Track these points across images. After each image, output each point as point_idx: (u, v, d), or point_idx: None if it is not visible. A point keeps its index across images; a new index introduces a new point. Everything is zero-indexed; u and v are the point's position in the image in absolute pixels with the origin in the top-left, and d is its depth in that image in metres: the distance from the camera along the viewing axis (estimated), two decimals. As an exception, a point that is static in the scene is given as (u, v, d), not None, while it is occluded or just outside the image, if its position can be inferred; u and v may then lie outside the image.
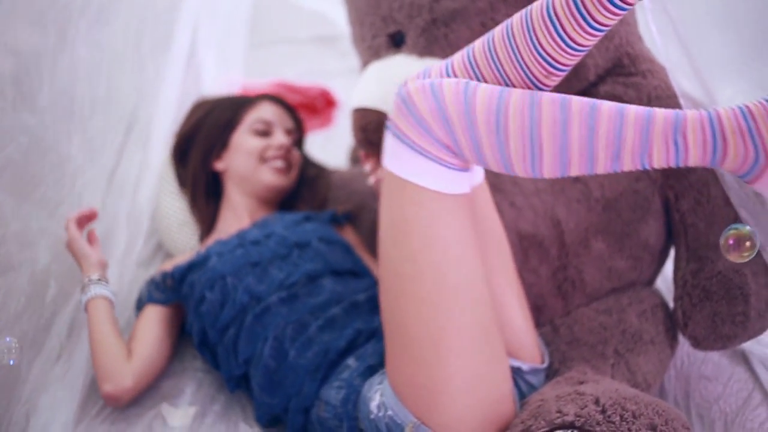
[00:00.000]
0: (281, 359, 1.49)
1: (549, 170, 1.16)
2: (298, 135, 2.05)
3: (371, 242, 1.89)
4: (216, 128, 1.94)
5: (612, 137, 1.12)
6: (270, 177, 1.90)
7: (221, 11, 2.34)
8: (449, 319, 1.22)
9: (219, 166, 1.95)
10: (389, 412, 1.29)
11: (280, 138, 1.94)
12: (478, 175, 1.36)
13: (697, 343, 1.56)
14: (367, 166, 1.69)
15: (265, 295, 1.58)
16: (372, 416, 1.32)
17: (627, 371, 1.50)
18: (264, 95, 2.07)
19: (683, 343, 1.68)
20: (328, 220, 1.88)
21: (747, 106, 1.10)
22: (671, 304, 1.63)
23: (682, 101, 1.53)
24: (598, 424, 1.19)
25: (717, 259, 1.53)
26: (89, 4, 1.76)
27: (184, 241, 1.98)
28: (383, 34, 1.64)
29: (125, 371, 1.57)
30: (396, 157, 1.22)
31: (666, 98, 1.63)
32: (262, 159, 1.91)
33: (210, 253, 1.68)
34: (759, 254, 1.52)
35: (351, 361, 1.45)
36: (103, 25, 1.83)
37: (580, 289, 1.60)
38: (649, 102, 1.63)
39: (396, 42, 1.63)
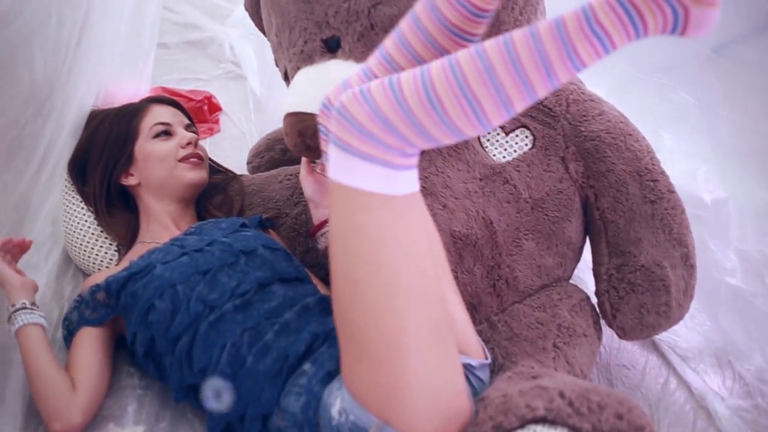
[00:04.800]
0: (238, 366, 1.46)
1: (495, 116, 1.17)
2: (194, 128, 2.02)
3: (290, 248, 1.89)
4: (113, 144, 1.87)
5: (536, 58, 1.14)
6: (189, 174, 1.86)
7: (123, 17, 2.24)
8: (405, 319, 1.23)
9: (130, 181, 1.87)
10: (351, 417, 1.29)
11: (184, 134, 1.90)
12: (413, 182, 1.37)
13: (624, 334, 1.65)
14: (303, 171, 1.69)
15: (218, 303, 1.54)
16: (334, 422, 1.31)
17: (566, 363, 1.56)
18: (148, 99, 2.02)
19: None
20: (256, 225, 1.86)
21: None
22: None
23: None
24: (568, 416, 1.24)
25: (639, 254, 1.63)
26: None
27: (101, 255, 1.90)
28: (317, 39, 1.63)
29: (72, 407, 1.50)
30: (342, 168, 1.23)
31: (582, 102, 1.71)
32: (176, 160, 1.86)
33: (153, 261, 1.62)
34: (675, 247, 1.64)
35: (307, 367, 1.43)
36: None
37: (513, 287, 1.65)
38: (568, 106, 1.70)
39: (330, 47, 1.63)
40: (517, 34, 1.15)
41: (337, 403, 1.31)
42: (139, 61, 2.37)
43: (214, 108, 2.79)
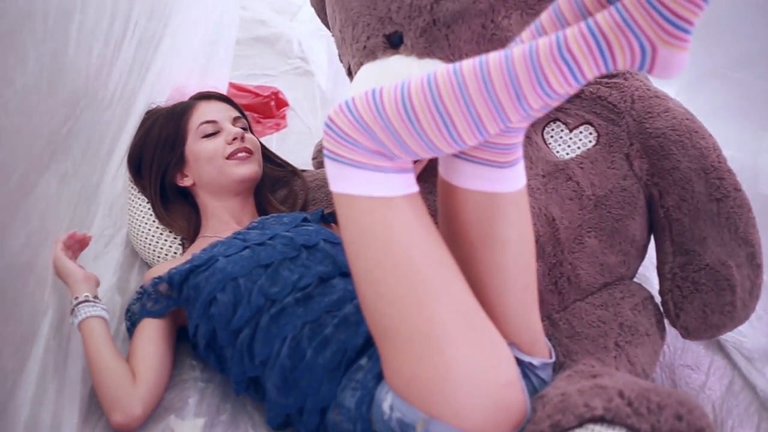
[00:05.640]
0: (298, 359, 1.48)
1: (467, 135, 1.19)
2: (243, 120, 2.03)
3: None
4: (163, 146, 1.91)
5: (506, 79, 1.15)
6: (239, 170, 1.88)
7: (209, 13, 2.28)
8: (432, 309, 1.25)
9: (186, 182, 1.92)
10: (397, 414, 1.30)
11: (230, 130, 1.91)
12: (519, 180, 1.36)
13: (688, 333, 1.63)
14: None
15: (279, 297, 1.56)
16: (385, 417, 1.32)
17: (628, 362, 1.55)
18: (196, 96, 2.05)
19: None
20: (318, 220, 1.88)
21: (622, 1, 1.13)
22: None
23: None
24: (627, 416, 1.23)
25: (704, 252, 1.60)
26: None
27: (166, 248, 1.93)
28: (380, 34, 1.64)
29: (133, 398, 1.53)
30: (337, 178, 1.26)
31: (648, 98, 1.69)
32: (224, 158, 1.88)
33: (215, 255, 1.65)
34: (741, 246, 1.61)
35: (364, 361, 1.44)
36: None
37: (575, 285, 1.64)
38: (633, 103, 1.68)
39: (393, 43, 1.64)
40: (493, 55, 1.17)
41: (388, 398, 1.32)
42: (216, 57, 2.41)
43: (281, 104, 2.83)
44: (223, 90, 2.53)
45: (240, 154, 1.89)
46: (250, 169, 1.90)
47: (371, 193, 1.24)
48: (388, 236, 1.25)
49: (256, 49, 3.18)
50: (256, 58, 3.13)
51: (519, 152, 1.32)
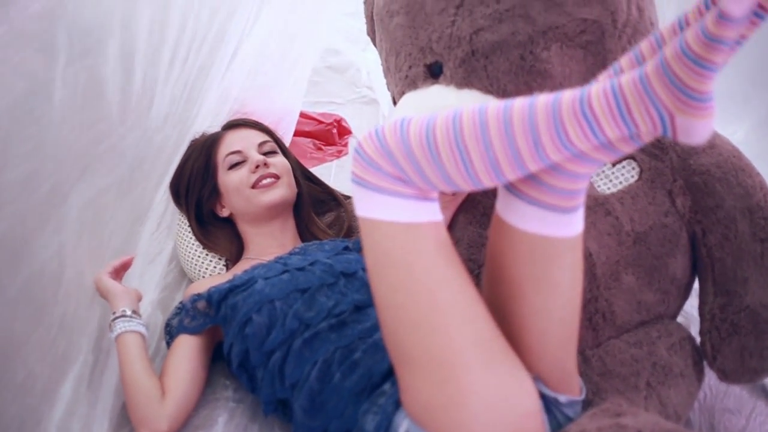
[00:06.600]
0: (326, 382, 1.50)
1: (484, 174, 1.18)
2: (271, 143, 2.06)
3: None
4: (195, 180, 1.98)
5: (527, 125, 1.14)
6: (265, 198, 1.93)
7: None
8: (449, 337, 1.24)
9: (224, 213, 1.99)
10: None
11: (253, 159, 1.95)
12: (579, 224, 1.34)
13: (725, 376, 1.59)
14: None
15: (314, 322, 1.59)
16: None
17: (659, 403, 1.51)
18: (224, 126, 2.10)
19: (705, 376, 1.70)
20: (360, 248, 1.89)
21: (645, 67, 1.10)
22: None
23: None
24: (643, 456, 1.21)
25: (745, 294, 1.56)
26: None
27: (211, 268, 1.97)
28: (420, 64, 1.65)
29: (160, 414, 1.57)
30: (362, 202, 1.28)
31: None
32: (249, 187, 1.92)
33: (255, 276, 1.68)
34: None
35: (387, 386, 1.45)
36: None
37: (610, 322, 1.61)
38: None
39: (433, 72, 1.65)
40: (519, 100, 1.17)
41: (405, 423, 1.33)
42: (289, 85, 2.45)
43: (344, 131, 2.86)
44: (295, 117, 2.58)
45: (265, 181, 1.93)
46: (277, 194, 1.93)
47: (393, 218, 1.25)
48: (408, 261, 1.25)
49: (324, 76, 3.23)
50: (325, 85, 3.18)
51: (582, 197, 1.30)
